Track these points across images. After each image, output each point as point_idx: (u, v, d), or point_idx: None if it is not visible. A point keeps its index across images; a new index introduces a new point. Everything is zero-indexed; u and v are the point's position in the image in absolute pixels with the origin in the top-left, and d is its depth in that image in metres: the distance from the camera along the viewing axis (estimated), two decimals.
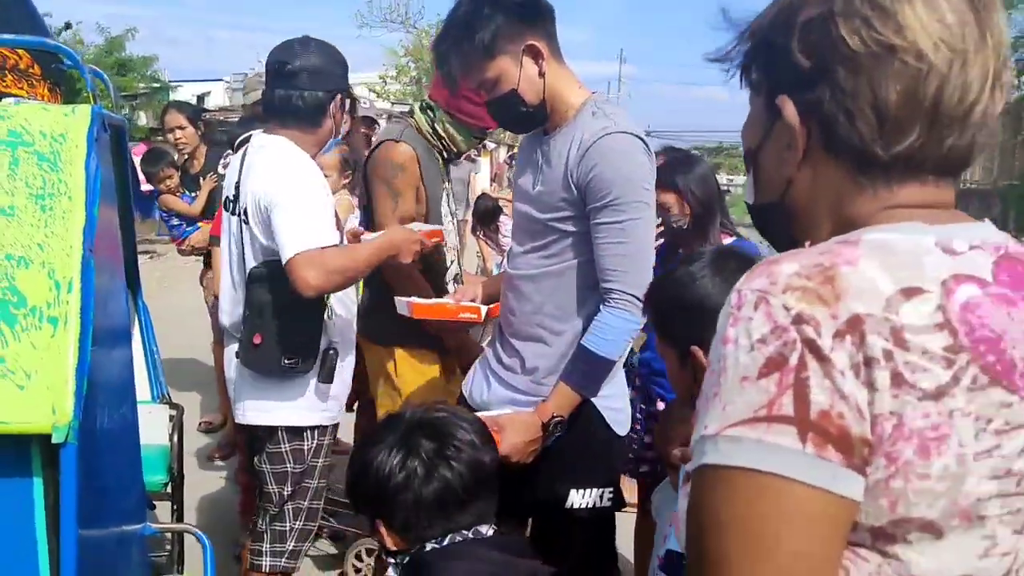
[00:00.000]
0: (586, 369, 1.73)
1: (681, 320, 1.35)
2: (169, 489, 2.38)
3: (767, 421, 0.63)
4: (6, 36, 1.45)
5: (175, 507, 2.44)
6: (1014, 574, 0.66)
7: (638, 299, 1.66)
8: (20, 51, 1.54)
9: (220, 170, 3.74)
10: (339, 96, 2.17)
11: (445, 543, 1.29)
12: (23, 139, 1.34)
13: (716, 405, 0.65)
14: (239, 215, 2.13)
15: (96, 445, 1.36)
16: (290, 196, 2.00)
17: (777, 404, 0.63)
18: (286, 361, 2.06)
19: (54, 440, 1.19)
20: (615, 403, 1.83)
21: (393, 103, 20.07)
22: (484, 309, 2.05)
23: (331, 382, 2.16)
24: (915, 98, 0.69)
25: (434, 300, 2.19)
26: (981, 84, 0.70)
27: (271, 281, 2.04)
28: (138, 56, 17.82)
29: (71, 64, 1.60)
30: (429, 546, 1.29)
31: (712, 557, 0.64)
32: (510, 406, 1.81)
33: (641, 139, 1.72)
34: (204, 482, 3.53)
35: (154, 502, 2.48)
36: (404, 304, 2.13)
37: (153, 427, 2.37)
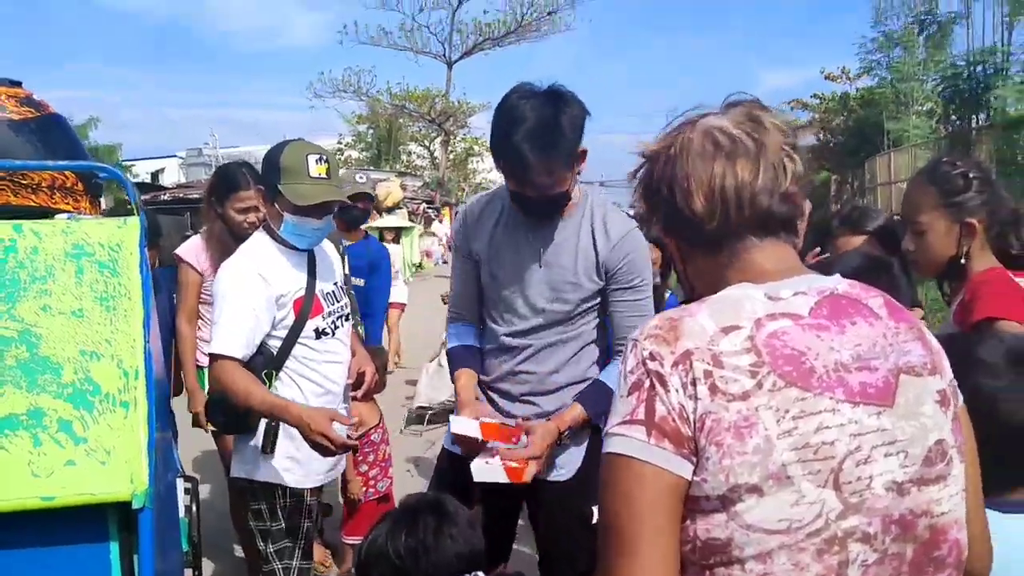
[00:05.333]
0: (605, 402, 2.08)
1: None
2: (191, 556, 2.54)
3: (630, 424, 0.96)
4: (61, 163, 1.69)
5: (196, 572, 2.60)
6: (823, 517, 0.92)
7: None
8: (67, 172, 1.77)
9: None
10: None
11: None
12: (85, 250, 1.56)
13: (611, 414, 1.00)
14: None
15: (158, 512, 1.56)
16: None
17: (635, 412, 0.96)
18: (218, 419, 2.44)
19: (134, 506, 1.38)
20: None
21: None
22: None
23: (271, 453, 2.37)
24: (710, 190, 1.04)
25: (496, 420, 2.12)
26: (753, 172, 1.03)
27: None
28: (103, 145, 18.95)
29: (108, 177, 1.84)
30: None
31: (604, 506, 0.99)
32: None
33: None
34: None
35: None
36: (475, 426, 2.00)
37: None
